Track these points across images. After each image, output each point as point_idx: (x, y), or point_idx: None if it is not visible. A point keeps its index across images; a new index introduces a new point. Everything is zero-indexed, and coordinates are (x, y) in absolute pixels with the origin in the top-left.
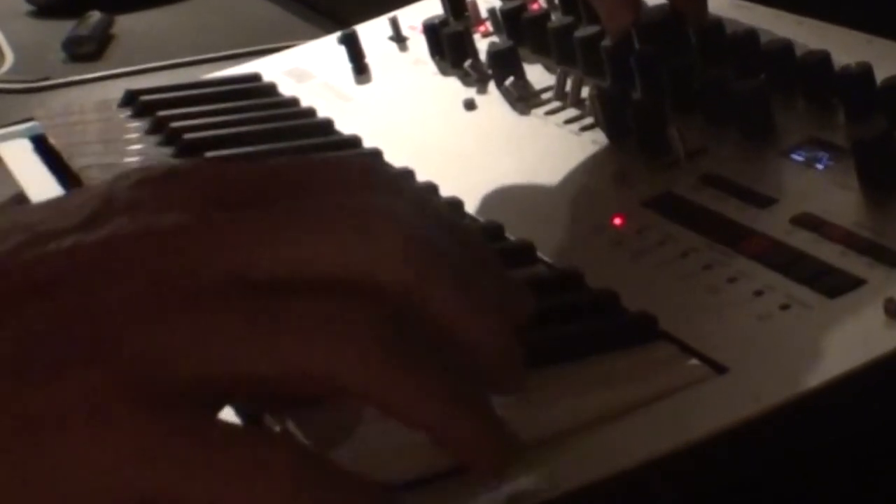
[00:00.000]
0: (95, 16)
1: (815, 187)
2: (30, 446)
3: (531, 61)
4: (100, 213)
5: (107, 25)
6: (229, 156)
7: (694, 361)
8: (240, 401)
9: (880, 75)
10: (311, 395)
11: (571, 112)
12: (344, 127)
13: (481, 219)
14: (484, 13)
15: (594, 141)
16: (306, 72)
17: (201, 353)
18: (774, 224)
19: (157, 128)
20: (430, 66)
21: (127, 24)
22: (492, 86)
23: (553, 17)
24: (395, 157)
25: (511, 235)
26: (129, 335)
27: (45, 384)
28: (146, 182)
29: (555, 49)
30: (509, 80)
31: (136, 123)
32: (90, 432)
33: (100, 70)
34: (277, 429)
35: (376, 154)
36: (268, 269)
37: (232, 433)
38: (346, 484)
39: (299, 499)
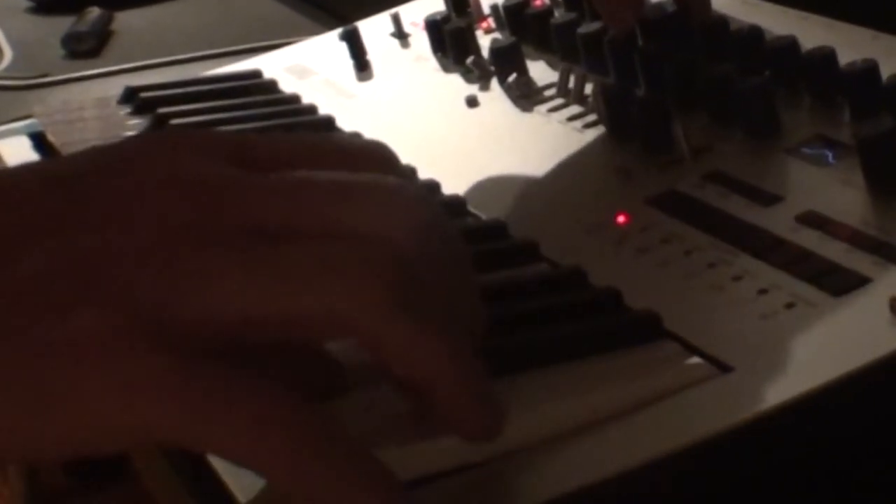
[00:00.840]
0: (95, 12)
1: (821, 185)
2: (42, 376)
3: (534, 58)
4: (122, 160)
5: (106, 21)
6: None
7: (698, 360)
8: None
9: (886, 72)
10: (315, 341)
11: (574, 109)
12: (345, 124)
13: (484, 216)
14: (486, 9)
15: (597, 138)
16: (307, 68)
17: (207, 296)
18: (779, 222)
19: (158, 125)
20: (432, 62)
21: (126, 20)
22: (494, 83)
23: (556, 13)
24: (397, 155)
25: (514, 233)
26: (139, 278)
27: (58, 320)
28: (171, 138)
29: (558, 45)
30: (512, 77)
31: (135, 121)
32: (100, 365)
33: (99, 67)
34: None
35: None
36: (280, 222)
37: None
38: (342, 442)
39: (300, 453)
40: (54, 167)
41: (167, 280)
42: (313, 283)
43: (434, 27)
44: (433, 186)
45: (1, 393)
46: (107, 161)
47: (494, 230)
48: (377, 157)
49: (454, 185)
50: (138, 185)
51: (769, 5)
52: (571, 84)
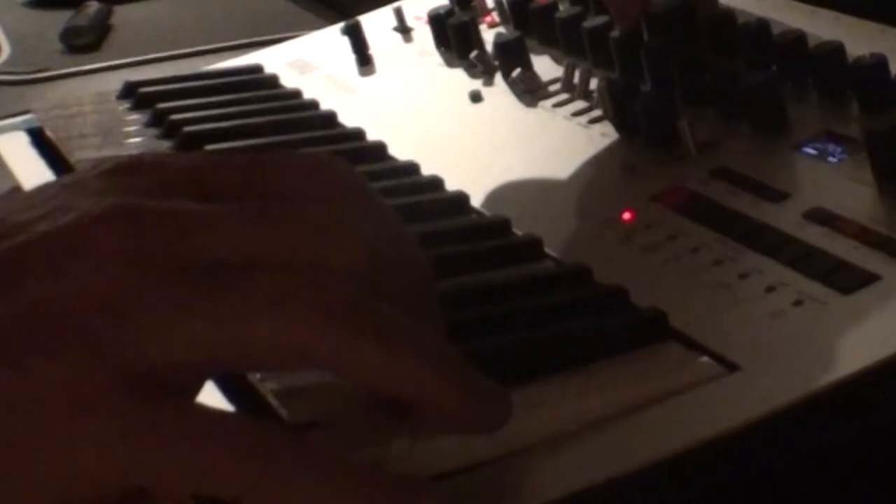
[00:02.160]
0: (93, 6)
1: (829, 181)
2: (9, 435)
3: (538, 52)
4: (67, 200)
5: (105, 16)
6: (229, 149)
7: (704, 359)
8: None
9: (895, 67)
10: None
11: (580, 104)
12: (347, 120)
13: (487, 213)
14: (490, 3)
15: (603, 134)
16: (309, 63)
17: (172, 338)
18: (787, 219)
19: (157, 120)
20: (435, 57)
21: (125, 14)
22: (498, 78)
23: (561, 7)
24: (400, 151)
25: (518, 230)
26: (98, 327)
27: (19, 375)
28: (113, 170)
29: (563, 40)
30: (516, 72)
31: (134, 116)
32: (68, 419)
33: (98, 61)
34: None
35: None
36: (232, 256)
37: (211, 415)
38: (334, 468)
39: (291, 483)
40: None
41: (127, 328)
42: (270, 319)
43: (437, 21)
44: (436, 183)
45: None
46: (57, 198)
47: (498, 227)
48: (334, 180)
49: (457, 181)
50: (83, 224)
51: None
52: (576, 79)
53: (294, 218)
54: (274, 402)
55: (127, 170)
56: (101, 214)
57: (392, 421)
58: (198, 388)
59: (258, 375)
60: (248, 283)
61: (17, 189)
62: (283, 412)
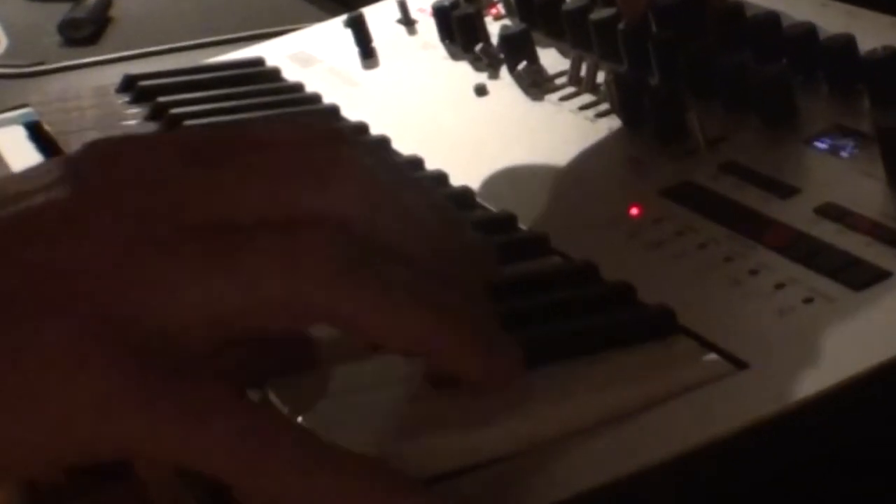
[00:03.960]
0: None
1: (840, 176)
2: (13, 387)
3: (545, 45)
4: (68, 172)
5: (104, 7)
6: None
7: (713, 357)
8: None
9: None
10: (290, 330)
11: (586, 98)
12: (350, 113)
13: (493, 208)
14: None
15: (610, 128)
16: (311, 56)
17: (172, 302)
18: (797, 214)
19: (157, 114)
20: (439, 50)
21: (125, 6)
22: (504, 71)
23: None
24: (404, 145)
25: (524, 226)
26: (102, 288)
27: (26, 333)
28: (113, 144)
29: (569, 32)
30: (522, 65)
31: (134, 110)
32: (70, 378)
33: (97, 54)
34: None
35: (363, 129)
36: (234, 214)
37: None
38: (332, 456)
39: (286, 470)
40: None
41: (130, 289)
42: (274, 277)
43: (442, 13)
44: (441, 177)
45: None
46: (53, 172)
47: (504, 223)
48: (322, 135)
49: (462, 176)
50: (85, 193)
51: None
52: (583, 72)
53: (292, 168)
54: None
55: (121, 144)
56: (101, 183)
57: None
58: (205, 354)
59: None
60: (256, 241)
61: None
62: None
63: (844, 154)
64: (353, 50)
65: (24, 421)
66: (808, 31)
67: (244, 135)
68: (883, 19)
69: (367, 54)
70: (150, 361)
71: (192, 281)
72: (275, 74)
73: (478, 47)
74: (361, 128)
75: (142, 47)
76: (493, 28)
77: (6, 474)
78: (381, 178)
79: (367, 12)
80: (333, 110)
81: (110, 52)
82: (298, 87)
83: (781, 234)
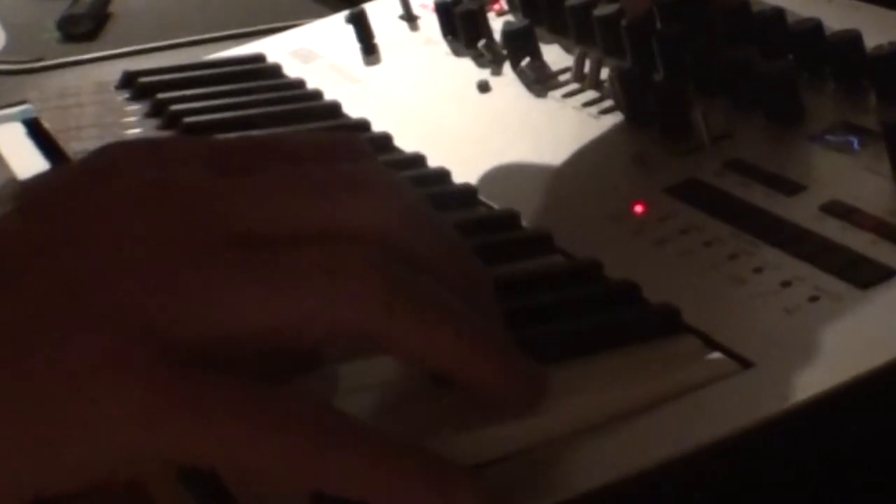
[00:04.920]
0: None
1: (846, 173)
2: (47, 408)
3: (548, 41)
4: (101, 175)
5: (104, 3)
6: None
7: (718, 356)
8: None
9: None
10: (323, 345)
11: (590, 94)
12: (352, 110)
13: (496, 206)
14: None
15: (614, 125)
16: (313, 52)
17: (211, 311)
18: (803, 212)
19: (157, 111)
20: (442, 46)
21: (125, 1)
22: (507, 67)
23: None
24: (406, 142)
25: (527, 224)
26: (134, 298)
27: (56, 348)
28: (144, 147)
29: (573, 28)
30: (525, 61)
31: (134, 106)
32: (105, 392)
33: (96, 50)
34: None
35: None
36: (270, 226)
37: (248, 387)
38: (364, 436)
39: (322, 455)
40: (29, 192)
41: (174, 299)
42: (315, 292)
43: (444, 9)
44: (443, 174)
45: (6, 427)
46: (83, 176)
47: (507, 220)
48: (349, 149)
49: (465, 173)
50: (120, 198)
51: None
52: (587, 68)
53: (325, 182)
54: None
55: (155, 147)
56: (136, 189)
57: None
58: (235, 364)
59: None
60: (295, 256)
61: (13, 181)
62: None
63: (850, 151)
64: (355, 46)
65: (68, 435)
66: (813, 27)
67: (272, 145)
68: (889, 15)
69: (369, 51)
70: (180, 365)
71: (232, 293)
72: (276, 71)
73: (480, 43)
74: (363, 125)
75: (142, 43)
76: (496, 24)
77: (38, 496)
78: (409, 194)
79: (369, 8)
80: (335, 107)
81: (110, 49)
82: (299, 84)
83: (787, 232)
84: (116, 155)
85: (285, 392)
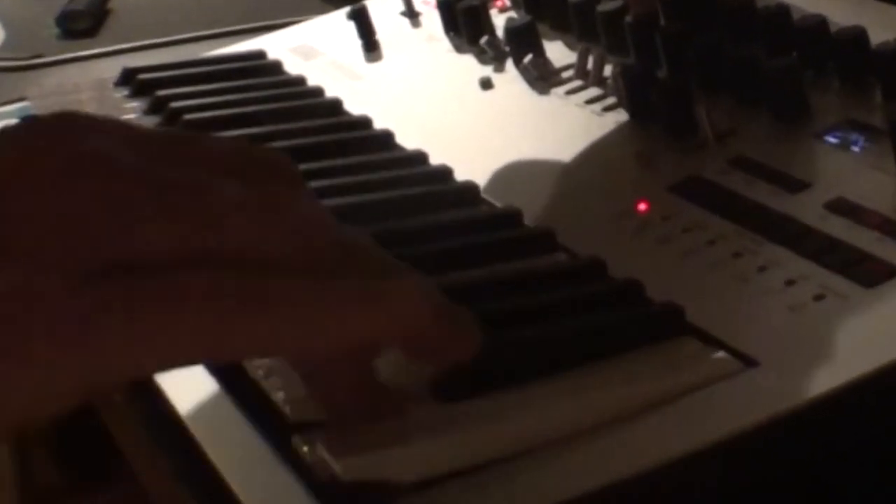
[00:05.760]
0: None
1: (851, 171)
2: None
3: (551, 38)
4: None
5: None
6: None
7: (722, 355)
8: None
9: None
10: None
11: (593, 91)
12: (353, 107)
13: (498, 204)
14: None
15: (617, 122)
16: (313, 49)
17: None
18: (807, 209)
19: (157, 108)
20: (444, 42)
21: None
22: (509, 64)
23: None
24: (408, 140)
25: (529, 222)
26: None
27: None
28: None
29: (576, 25)
30: (528, 58)
31: (134, 103)
32: (38, 315)
33: (96, 47)
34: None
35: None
36: (142, 247)
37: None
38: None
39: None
40: None
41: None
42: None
43: (446, 6)
44: (445, 172)
45: None
46: (16, 140)
47: (509, 218)
48: (262, 161)
49: (467, 170)
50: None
51: None
52: (590, 65)
53: (227, 205)
54: (278, 399)
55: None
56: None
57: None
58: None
59: (261, 372)
60: (176, 282)
61: None
62: (287, 410)
63: (855, 148)
64: (356, 43)
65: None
66: (818, 24)
67: (195, 149)
68: (894, 11)
69: (371, 47)
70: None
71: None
72: (276, 67)
73: (483, 40)
74: (364, 121)
75: (141, 40)
76: (499, 20)
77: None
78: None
79: (371, 4)
80: (336, 104)
81: (109, 45)
82: (300, 81)
83: (791, 230)
84: (46, 123)
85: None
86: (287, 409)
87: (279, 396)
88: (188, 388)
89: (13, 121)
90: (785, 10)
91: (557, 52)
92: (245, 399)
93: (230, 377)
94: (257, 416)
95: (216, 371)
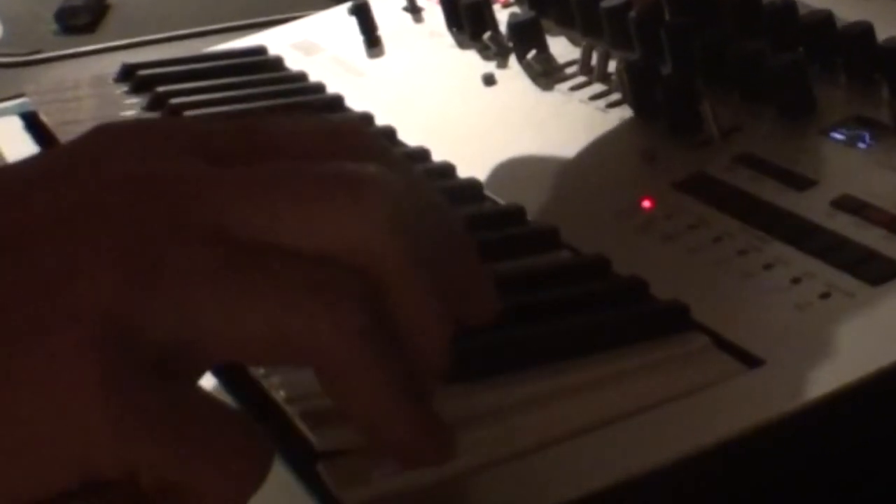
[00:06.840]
0: None
1: (857, 168)
2: (11, 413)
3: (554, 33)
4: (70, 167)
5: None
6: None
7: (728, 354)
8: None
9: None
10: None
11: (597, 87)
12: (355, 103)
13: (501, 201)
14: None
15: (621, 118)
16: (315, 44)
17: (182, 317)
18: (813, 207)
19: (156, 104)
20: (446, 38)
21: None
22: (513, 59)
23: None
24: (410, 136)
25: (533, 219)
26: (105, 297)
27: (23, 350)
28: (119, 134)
29: (579, 20)
30: (531, 54)
31: (133, 100)
32: (62, 395)
33: (95, 43)
34: None
35: (368, 120)
36: (252, 229)
37: (208, 405)
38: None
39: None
40: (6, 177)
41: (136, 299)
42: (303, 319)
43: (449, 1)
44: (448, 168)
45: None
46: (64, 165)
47: (512, 215)
48: (352, 140)
49: (470, 167)
50: (99, 190)
51: None
52: (594, 61)
53: (323, 187)
54: (302, 426)
55: (131, 133)
56: (108, 182)
57: None
58: (200, 375)
59: (282, 393)
60: (286, 275)
61: None
62: (312, 438)
63: (862, 145)
64: (358, 38)
65: (29, 444)
66: (825, 19)
67: (265, 136)
68: None
69: (373, 43)
70: (147, 376)
71: (214, 303)
72: (277, 63)
73: (486, 36)
74: (366, 118)
75: (141, 35)
76: (502, 16)
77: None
78: (402, 201)
79: None
80: (337, 100)
81: (108, 41)
82: (301, 77)
83: (797, 228)
84: (100, 142)
85: (242, 419)
86: (313, 438)
87: (302, 422)
88: None
89: (12, 117)
90: (791, 6)
91: (561, 48)
92: (245, 399)
93: (230, 377)
94: (257, 417)
95: (216, 371)
